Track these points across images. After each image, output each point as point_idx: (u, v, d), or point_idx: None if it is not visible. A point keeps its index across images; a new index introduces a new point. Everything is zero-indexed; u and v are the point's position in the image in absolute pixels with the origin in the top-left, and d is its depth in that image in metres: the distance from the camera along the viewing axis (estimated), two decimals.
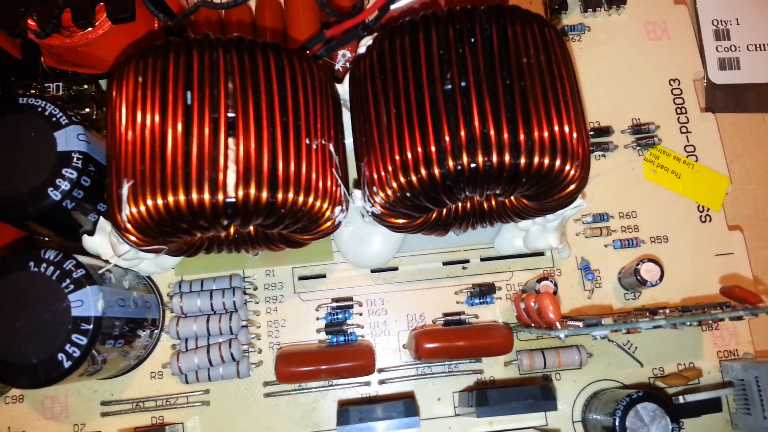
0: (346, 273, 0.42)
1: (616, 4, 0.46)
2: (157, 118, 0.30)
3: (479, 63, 0.31)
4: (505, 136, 0.30)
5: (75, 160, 0.34)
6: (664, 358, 0.41)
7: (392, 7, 0.39)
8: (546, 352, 0.39)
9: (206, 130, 0.30)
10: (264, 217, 0.31)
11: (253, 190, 0.30)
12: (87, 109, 0.40)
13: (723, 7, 0.50)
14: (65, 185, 0.33)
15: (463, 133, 0.30)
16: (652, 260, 0.39)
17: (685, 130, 0.45)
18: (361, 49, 0.35)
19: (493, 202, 0.35)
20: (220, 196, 0.30)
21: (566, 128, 0.31)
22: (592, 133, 0.44)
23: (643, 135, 0.44)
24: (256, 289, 0.41)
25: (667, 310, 0.36)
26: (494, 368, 0.40)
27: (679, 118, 0.45)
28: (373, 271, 0.42)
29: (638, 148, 0.44)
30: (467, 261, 0.42)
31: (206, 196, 0.29)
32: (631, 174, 0.44)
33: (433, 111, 0.31)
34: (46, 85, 0.40)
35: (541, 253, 0.42)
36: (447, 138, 0.30)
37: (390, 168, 0.31)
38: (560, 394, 0.40)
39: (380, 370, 0.40)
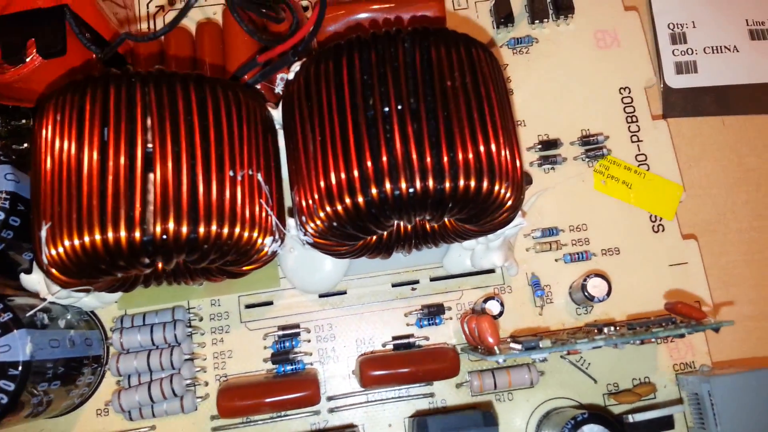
0: (293, 299, 0.41)
1: (563, 14, 0.45)
2: (72, 155, 0.29)
3: (401, 87, 0.30)
4: (428, 160, 0.29)
5: (2, 200, 0.33)
6: (618, 374, 0.40)
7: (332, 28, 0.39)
8: (496, 373, 0.39)
9: (122, 167, 0.29)
10: (187, 253, 0.30)
11: (171, 225, 0.29)
12: (26, 144, 0.40)
13: (679, 10, 0.49)
14: None
15: (385, 159, 0.29)
16: (600, 275, 0.39)
17: (636, 138, 0.44)
18: (290, 75, 0.34)
19: (434, 224, 0.35)
20: (137, 234, 0.29)
21: (493, 148, 0.30)
22: (539, 146, 0.43)
23: (592, 146, 0.43)
24: (201, 320, 0.41)
25: (612, 328, 0.35)
26: (446, 391, 0.40)
27: (630, 126, 0.44)
28: (321, 295, 0.41)
29: (588, 159, 0.43)
30: (417, 282, 0.42)
31: (122, 234, 0.29)
32: (581, 186, 0.43)
33: (356, 137, 0.30)
34: None
35: (491, 271, 0.41)
36: (369, 164, 0.30)
37: (316, 196, 0.31)
38: (513, 415, 0.39)
39: (330, 398, 0.40)
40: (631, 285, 0.41)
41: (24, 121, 0.40)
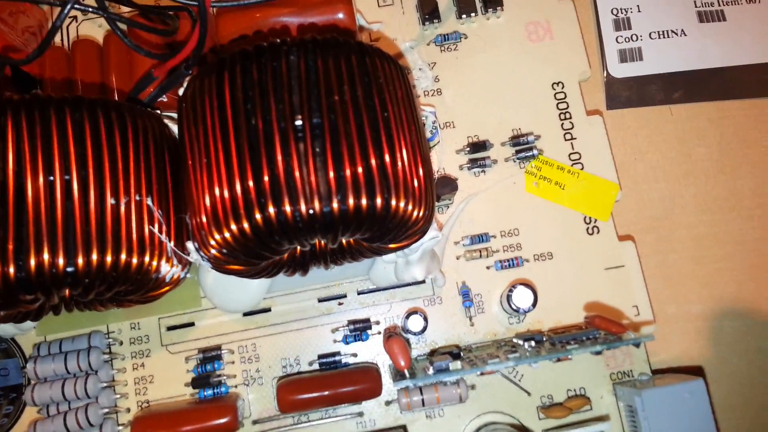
0: (215, 319, 0.40)
1: (492, 7, 0.43)
2: None
3: (284, 103, 0.29)
4: (313, 179, 0.28)
5: None
6: (552, 385, 0.38)
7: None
8: (424, 389, 0.37)
9: None
10: (70, 286, 0.29)
11: (46, 257, 0.28)
12: None
13: None
14: None
15: (266, 180, 0.28)
16: (525, 284, 0.37)
17: (570, 136, 0.42)
18: (181, 90, 0.33)
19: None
20: (11, 269, 0.27)
21: (387, 161, 0.29)
22: (468, 149, 0.41)
23: (523, 146, 0.41)
24: (121, 344, 0.39)
25: (530, 344, 0.34)
26: (375, 410, 0.38)
27: (563, 123, 0.42)
28: (244, 314, 0.40)
29: (519, 160, 0.41)
30: (344, 296, 0.40)
31: None
32: (512, 189, 0.41)
33: (238, 157, 0.28)
34: None
35: (422, 281, 0.40)
36: (251, 186, 0.28)
37: (204, 220, 0.29)
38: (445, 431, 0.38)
39: (255, 422, 0.38)
40: (564, 291, 0.39)
41: None
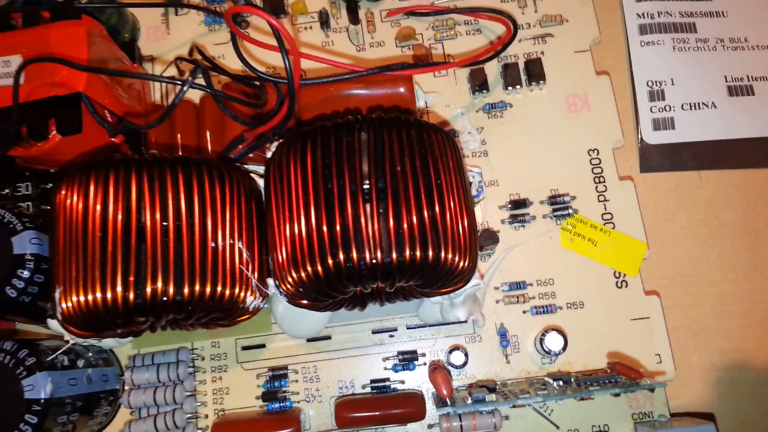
0: (284, 343, 0.46)
1: (535, 80, 0.48)
2: (80, 229, 0.35)
3: (356, 170, 0.35)
4: (377, 234, 0.34)
5: (27, 262, 0.39)
6: (579, 421, 0.43)
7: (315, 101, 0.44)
8: (463, 417, 0.42)
9: (118, 239, 0.35)
10: (175, 312, 0.36)
11: (160, 287, 0.35)
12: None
13: (658, 68, 0.52)
14: (20, 284, 0.39)
15: (338, 234, 0.34)
16: (557, 330, 0.42)
17: (603, 198, 0.47)
18: (269, 153, 0.39)
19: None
20: (131, 295, 0.34)
21: (438, 219, 0.34)
22: (510, 205, 0.47)
23: (560, 205, 0.46)
24: (203, 359, 0.46)
25: (558, 383, 0.38)
26: None
27: (597, 186, 0.47)
28: (308, 340, 0.46)
29: (555, 218, 0.46)
30: (395, 329, 0.46)
31: (119, 296, 0.34)
32: (549, 243, 0.46)
33: (316, 213, 0.35)
34: (17, 185, 0.46)
35: (463, 321, 0.45)
36: (325, 239, 0.34)
37: (283, 263, 0.36)
38: None
39: None
40: (593, 338, 0.44)
41: (50, 184, 0.47)
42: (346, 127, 0.36)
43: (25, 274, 0.39)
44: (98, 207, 0.35)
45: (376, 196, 0.35)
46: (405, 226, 0.34)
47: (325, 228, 0.34)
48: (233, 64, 0.50)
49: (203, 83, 0.37)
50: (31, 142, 0.42)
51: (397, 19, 0.51)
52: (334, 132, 0.36)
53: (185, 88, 0.36)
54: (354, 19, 0.50)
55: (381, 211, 0.34)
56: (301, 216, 0.35)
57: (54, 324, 0.42)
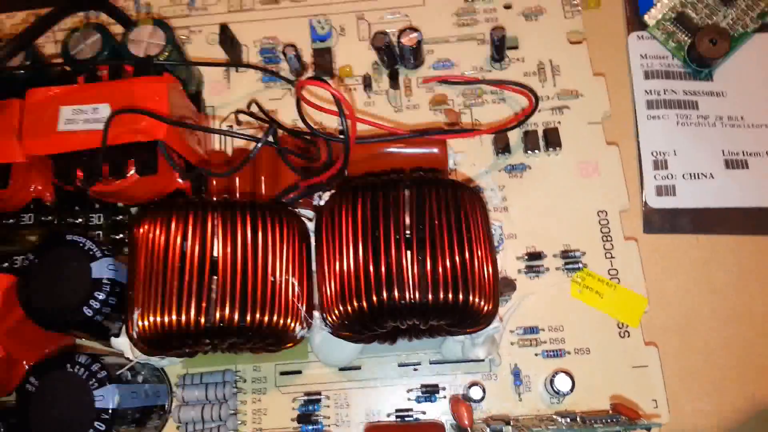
0: (318, 370, 0.51)
1: (552, 147, 0.55)
2: (160, 260, 0.41)
3: (399, 223, 0.41)
4: (416, 277, 0.39)
5: (104, 285, 0.45)
6: None
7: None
8: None
9: (195, 271, 0.40)
10: (237, 336, 0.41)
11: (227, 312, 0.40)
12: (121, 235, 0.52)
13: (663, 141, 0.58)
14: (96, 305, 0.44)
15: (383, 275, 0.39)
16: (566, 372, 0.47)
17: (610, 255, 0.52)
18: (325, 196, 0.45)
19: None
20: (202, 320, 0.40)
21: (468, 268, 0.40)
22: (526, 257, 0.52)
23: (571, 260, 0.52)
24: (245, 381, 0.51)
25: (566, 420, 0.43)
26: None
27: (605, 245, 0.53)
28: (340, 369, 0.51)
29: (566, 271, 0.52)
30: (419, 364, 0.51)
31: (192, 320, 0.39)
32: (560, 293, 0.51)
33: (364, 257, 0.40)
34: (90, 215, 0.52)
35: (481, 360, 0.50)
36: (372, 279, 0.40)
37: (332, 297, 0.41)
38: None
39: None
40: (598, 381, 0.49)
41: (121, 216, 0.53)
42: (392, 184, 0.42)
43: (101, 296, 0.45)
44: (178, 240, 0.41)
45: (417, 244, 0.40)
46: (440, 270, 0.39)
47: (371, 268, 0.40)
48: (285, 117, 0.57)
49: (271, 140, 0.43)
50: (111, 179, 0.48)
51: (432, 86, 0.58)
52: (381, 188, 0.42)
53: (259, 145, 0.42)
54: (394, 84, 0.57)
55: (420, 258, 0.40)
56: (350, 256, 0.41)
57: (118, 342, 0.47)
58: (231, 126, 0.56)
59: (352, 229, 0.41)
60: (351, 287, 0.40)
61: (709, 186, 0.57)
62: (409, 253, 0.40)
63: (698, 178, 0.57)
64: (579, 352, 0.50)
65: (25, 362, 0.47)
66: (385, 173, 0.43)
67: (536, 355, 0.50)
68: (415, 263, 0.40)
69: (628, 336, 0.50)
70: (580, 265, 0.52)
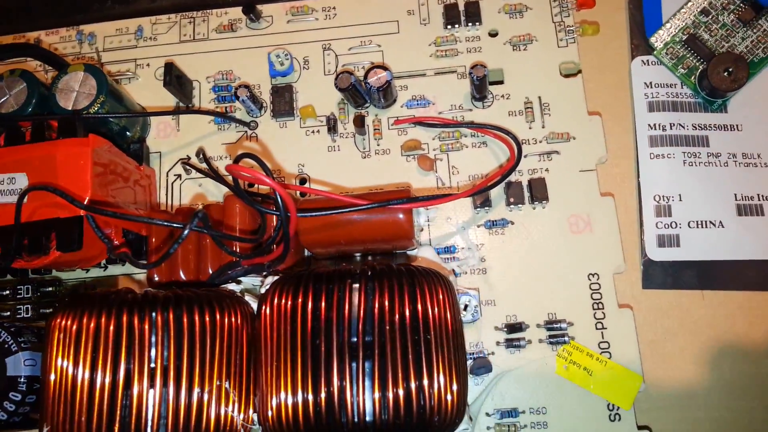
0: None
1: (539, 199, 0.48)
2: (70, 375, 0.35)
3: (343, 328, 0.35)
4: (360, 397, 0.34)
5: (20, 384, 0.40)
6: None
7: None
8: None
9: (106, 385, 0.35)
10: None
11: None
12: (50, 309, 0.47)
13: (666, 182, 0.51)
14: (10, 407, 0.39)
15: (323, 396, 0.34)
16: None
17: (601, 326, 0.46)
18: (263, 289, 0.40)
19: None
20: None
21: (425, 384, 0.34)
22: (505, 329, 0.46)
23: (556, 331, 0.46)
24: None
25: None
26: None
27: (595, 313, 0.47)
28: None
29: (551, 344, 0.46)
30: None
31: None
32: (544, 369, 0.46)
33: (302, 369, 0.35)
34: (18, 287, 0.47)
35: None
36: (310, 397, 0.34)
37: (270, 416, 0.36)
38: None
39: None
40: None
41: (51, 288, 0.48)
42: (339, 277, 0.36)
43: (17, 396, 0.40)
44: (89, 353, 0.35)
45: (363, 353, 0.35)
46: (390, 391, 0.34)
47: (310, 397, 0.34)
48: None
49: (203, 227, 0.37)
50: (32, 257, 0.43)
51: (405, 127, 0.51)
52: (326, 280, 0.36)
53: (185, 233, 0.36)
54: (360, 130, 0.50)
55: (365, 372, 0.34)
56: (288, 384, 0.35)
57: None
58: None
59: (290, 338, 0.36)
60: (287, 410, 0.35)
61: (719, 236, 0.50)
62: (354, 364, 0.34)
63: (706, 226, 0.50)
64: None
65: None
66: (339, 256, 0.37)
67: None
68: (361, 379, 0.34)
69: (619, 420, 0.45)
70: (567, 339, 0.46)
